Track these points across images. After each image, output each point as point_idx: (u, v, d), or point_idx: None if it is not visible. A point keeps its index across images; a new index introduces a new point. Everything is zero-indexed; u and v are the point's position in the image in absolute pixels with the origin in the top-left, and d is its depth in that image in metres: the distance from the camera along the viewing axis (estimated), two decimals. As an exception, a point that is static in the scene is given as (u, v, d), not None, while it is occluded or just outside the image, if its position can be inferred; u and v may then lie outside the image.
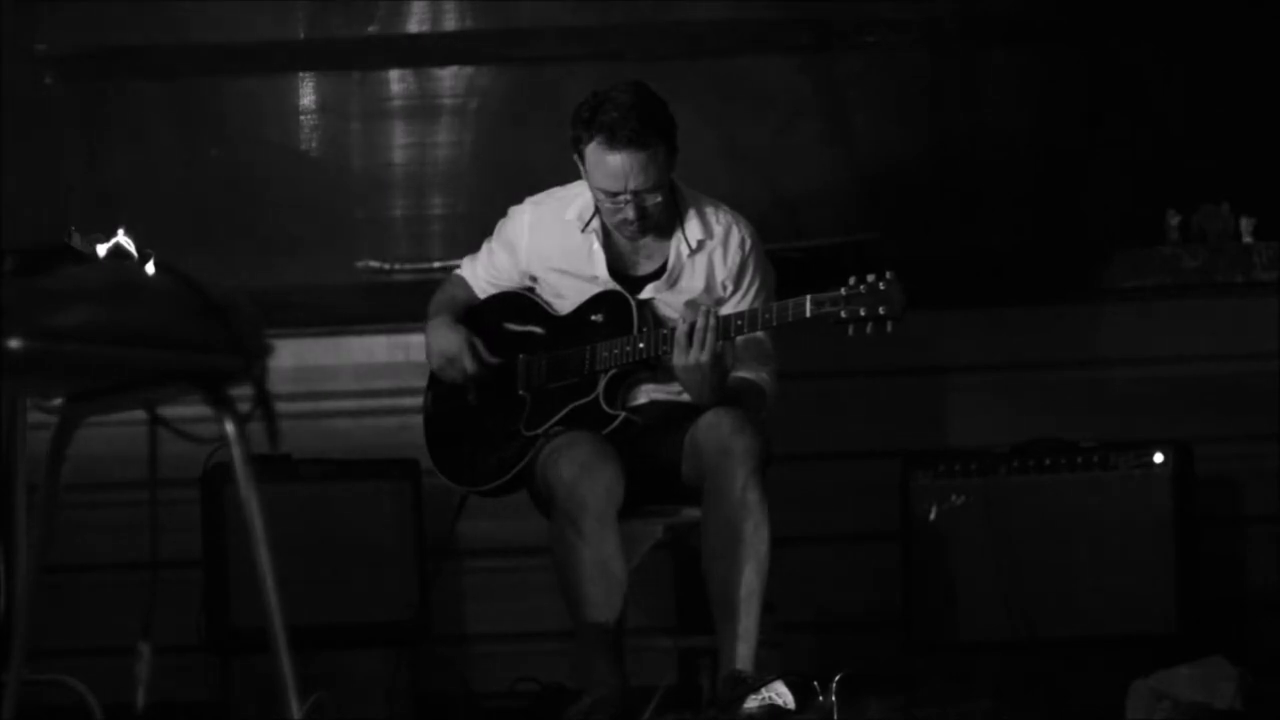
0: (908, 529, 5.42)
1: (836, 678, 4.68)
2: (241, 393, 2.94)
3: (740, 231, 5.03)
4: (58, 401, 3.08)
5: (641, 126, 4.82)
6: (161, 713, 3.13)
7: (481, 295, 5.21)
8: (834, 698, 4.65)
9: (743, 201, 5.28)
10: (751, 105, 6.08)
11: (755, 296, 5.00)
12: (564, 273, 5.04)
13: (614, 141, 4.82)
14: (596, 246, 4.99)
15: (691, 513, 4.92)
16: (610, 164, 4.84)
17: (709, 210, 5.03)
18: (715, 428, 4.80)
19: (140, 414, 3.10)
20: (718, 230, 5.01)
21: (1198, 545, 5.35)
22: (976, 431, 5.77)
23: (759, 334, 4.94)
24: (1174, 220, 5.86)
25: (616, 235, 4.98)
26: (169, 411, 3.10)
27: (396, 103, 6.13)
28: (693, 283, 4.98)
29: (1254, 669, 4.80)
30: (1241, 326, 5.79)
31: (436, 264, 5.86)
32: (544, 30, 6.09)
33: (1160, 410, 5.75)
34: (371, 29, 6.12)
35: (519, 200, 5.21)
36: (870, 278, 4.69)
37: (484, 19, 6.13)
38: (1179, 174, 5.95)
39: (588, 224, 5.01)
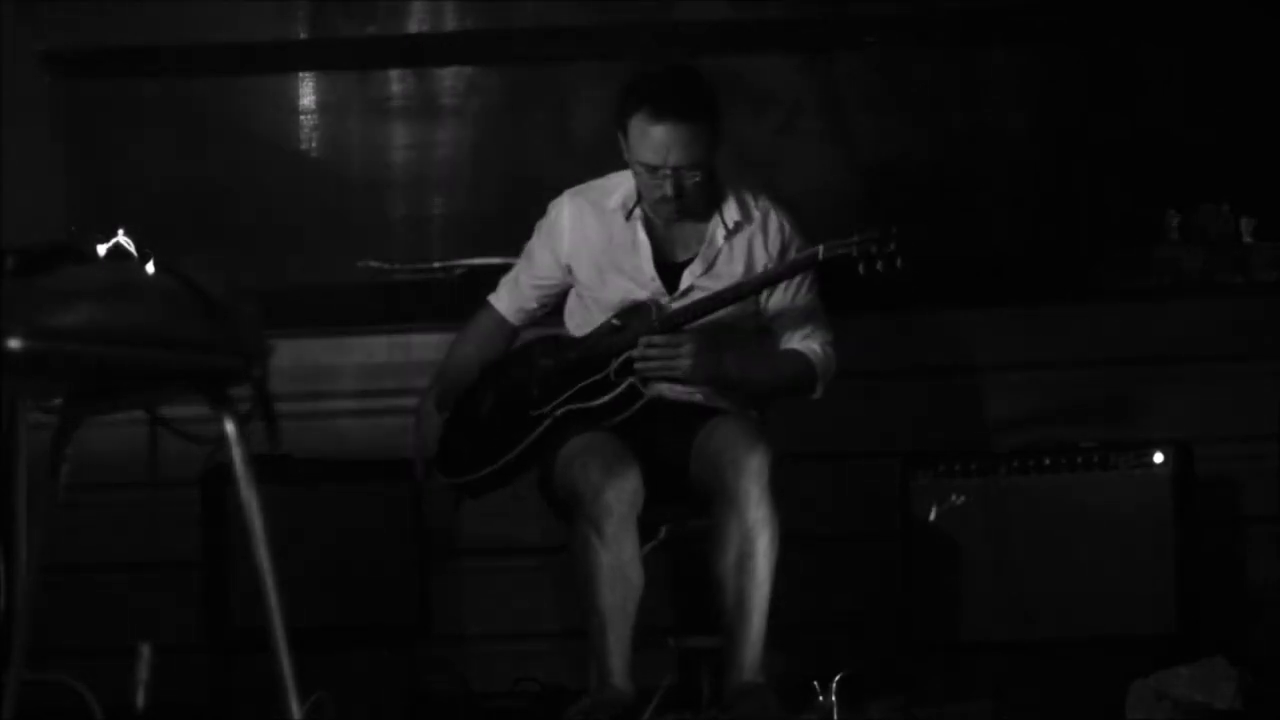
0: (908, 529, 5.42)
1: (836, 678, 4.69)
2: (241, 393, 2.94)
3: (778, 217, 5.04)
4: (58, 401, 3.09)
5: (689, 101, 4.83)
6: (161, 713, 3.13)
7: (522, 311, 5.16)
8: (834, 698, 4.65)
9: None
10: (751, 105, 6.08)
11: (809, 290, 5.03)
12: (607, 265, 4.99)
13: (660, 113, 4.80)
14: (641, 235, 4.96)
15: (696, 519, 4.92)
16: (654, 136, 4.81)
17: (747, 195, 5.03)
18: (728, 441, 4.78)
19: (140, 414, 3.10)
20: (756, 214, 5.01)
21: (1198, 545, 5.34)
22: (976, 431, 5.77)
23: (808, 297, 4.99)
24: (1174, 220, 5.86)
25: (655, 219, 4.96)
26: (169, 411, 3.10)
27: (396, 103, 6.13)
28: (731, 266, 4.97)
29: (1254, 669, 4.80)
30: (1240, 327, 5.79)
31: (436, 264, 5.86)
32: (544, 30, 6.09)
33: (1160, 410, 5.74)
34: (371, 29, 6.12)
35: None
36: (880, 225, 4.75)
37: (484, 19, 6.13)
38: (1179, 174, 5.95)
39: (631, 212, 4.98)
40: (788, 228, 5.04)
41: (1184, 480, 5.32)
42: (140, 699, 3.05)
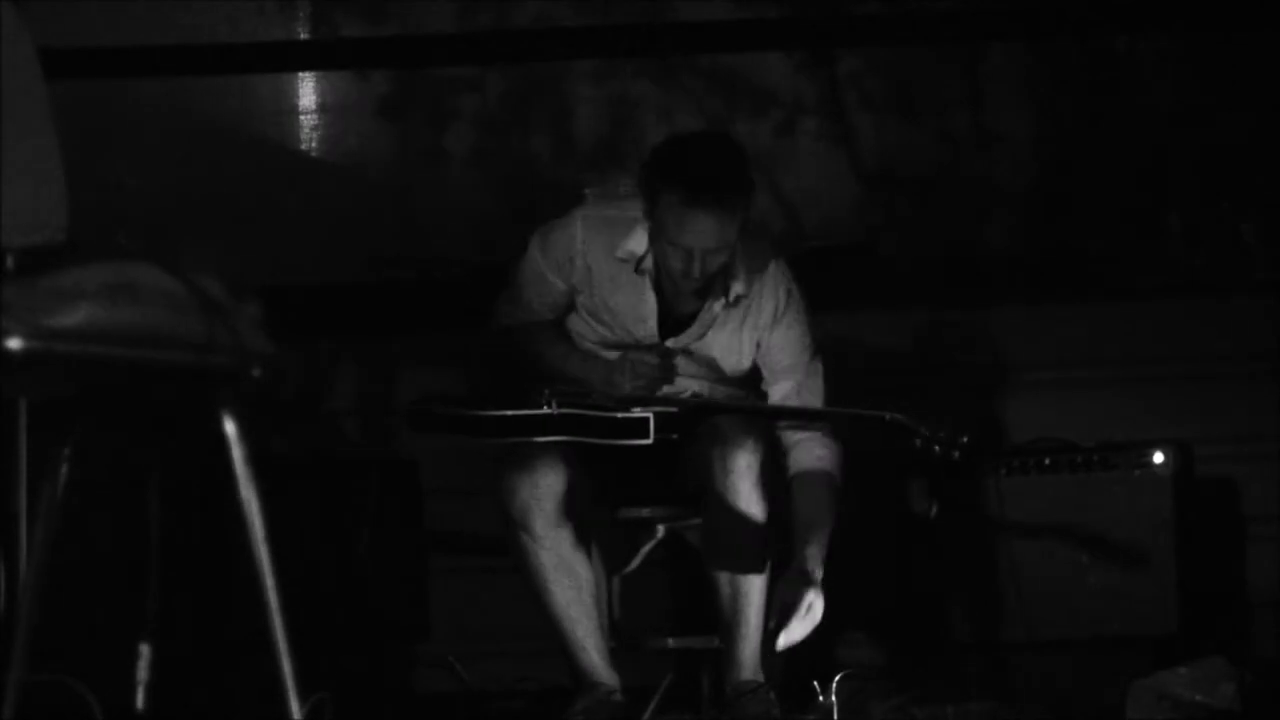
0: (907, 529, 5.42)
1: (836, 678, 4.69)
2: (241, 393, 2.94)
3: (775, 288, 4.83)
4: (58, 402, 3.08)
5: (726, 187, 4.60)
6: (161, 713, 3.13)
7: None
8: (834, 698, 4.65)
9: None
10: (751, 105, 6.08)
11: (801, 337, 4.85)
12: (602, 304, 4.84)
13: (696, 199, 4.57)
14: (650, 295, 4.78)
15: (693, 515, 4.92)
16: (686, 221, 4.59)
17: (757, 262, 4.82)
18: (717, 438, 4.72)
19: (140, 414, 3.10)
20: (756, 285, 4.81)
21: (1198, 545, 5.35)
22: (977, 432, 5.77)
23: (804, 344, 4.83)
24: (1174, 220, 5.87)
25: (667, 282, 4.76)
26: (168, 412, 3.09)
27: (396, 103, 6.14)
28: (721, 335, 4.82)
29: (1254, 669, 4.81)
30: (1241, 326, 5.79)
31: (436, 264, 5.86)
32: (544, 30, 6.09)
33: (1160, 410, 5.75)
34: (372, 29, 6.13)
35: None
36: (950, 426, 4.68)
37: (484, 19, 6.14)
38: (1179, 174, 5.95)
39: (639, 263, 4.77)
40: (782, 299, 4.83)
41: (1184, 480, 5.33)
42: (140, 699, 3.05)
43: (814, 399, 4.85)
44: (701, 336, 4.82)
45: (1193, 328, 5.84)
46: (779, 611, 4.65)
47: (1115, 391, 5.83)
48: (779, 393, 4.85)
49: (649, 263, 4.75)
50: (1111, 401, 5.81)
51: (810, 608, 4.65)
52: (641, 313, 4.81)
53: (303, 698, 2.95)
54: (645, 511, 4.98)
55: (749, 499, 4.70)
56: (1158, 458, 5.32)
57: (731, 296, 4.78)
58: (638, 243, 4.76)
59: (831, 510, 4.80)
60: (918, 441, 4.68)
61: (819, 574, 4.70)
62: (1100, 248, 5.95)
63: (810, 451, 4.82)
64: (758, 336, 4.84)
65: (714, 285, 4.77)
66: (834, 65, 6.12)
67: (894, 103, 6.11)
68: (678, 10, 6.11)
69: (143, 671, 3.07)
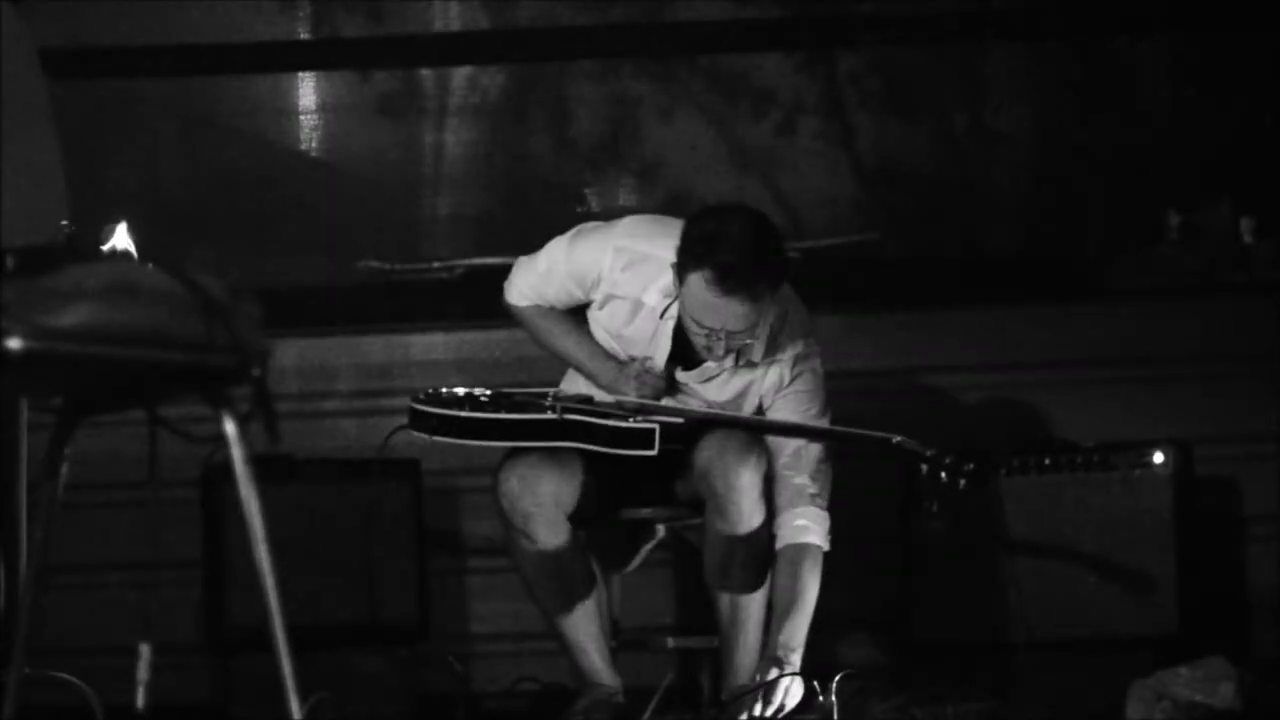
0: (907, 529, 5.42)
1: (836, 678, 4.69)
2: (241, 392, 2.94)
3: (790, 362, 4.76)
4: (58, 401, 3.09)
5: (756, 276, 4.49)
6: (161, 713, 3.13)
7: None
8: (834, 698, 4.65)
9: (743, 201, 5.23)
10: (751, 105, 6.08)
11: (804, 409, 4.78)
12: (617, 333, 4.79)
13: (723, 285, 4.48)
14: (665, 341, 4.73)
15: (693, 515, 4.92)
16: (712, 305, 4.51)
17: (780, 340, 4.75)
18: (718, 453, 4.68)
19: (140, 414, 3.10)
20: (768, 357, 4.74)
21: (1198, 545, 5.35)
22: (976, 431, 5.77)
23: (822, 463, 4.79)
24: (1174, 220, 5.87)
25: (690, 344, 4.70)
26: (169, 411, 3.10)
27: (396, 103, 6.13)
28: (725, 384, 4.79)
29: (1254, 669, 4.81)
30: (1241, 326, 5.79)
31: (436, 264, 5.86)
32: (544, 30, 6.10)
33: (1160, 410, 5.75)
34: (372, 29, 6.13)
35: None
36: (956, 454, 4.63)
37: (484, 19, 6.14)
38: (1179, 174, 5.95)
39: (664, 311, 4.71)
40: (788, 376, 4.76)
41: (1184, 480, 5.32)
42: (140, 699, 3.05)
43: (810, 463, 4.80)
44: (706, 380, 4.80)
45: (1193, 328, 5.84)
46: (756, 702, 4.66)
47: (1115, 391, 5.83)
48: (778, 450, 4.79)
49: (673, 311, 4.69)
50: (1111, 401, 5.81)
51: (788, 694, 4.66)
52: (652, 350, 4.77)
53: (303, 698, 2.95)
54: (645, 511, 4.98)
55: (750, 515, 4.68)
56: (1158, 458, 5.31)
57: (743, 361, 4.73)
58: (665, 291, 4.69)
59: (814, 586, 4.75)
60: (924, 466, 4.67)
61: (795, 658, 4.69)
62: (1100, 248, 5.95)
63: (796, 521, 4.76)
64: (761, 398, 4.80)
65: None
66: (834, 65, 6.12)
67: (894, 103, 6.11)
68: (678, 10, 6.11)
69: (143, 671, 3.07)
